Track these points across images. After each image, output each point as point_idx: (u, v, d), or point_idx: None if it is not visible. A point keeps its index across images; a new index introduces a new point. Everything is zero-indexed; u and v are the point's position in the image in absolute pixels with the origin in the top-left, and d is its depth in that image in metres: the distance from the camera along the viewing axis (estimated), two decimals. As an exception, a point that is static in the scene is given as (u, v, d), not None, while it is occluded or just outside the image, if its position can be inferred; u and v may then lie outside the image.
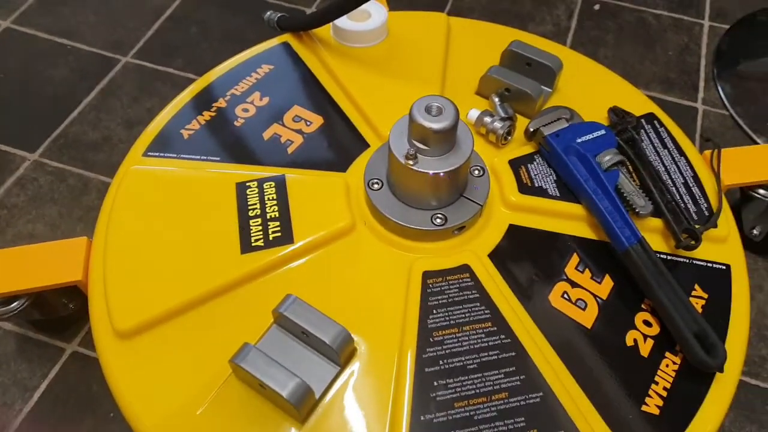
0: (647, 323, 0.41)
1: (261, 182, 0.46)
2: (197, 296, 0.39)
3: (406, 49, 0.56)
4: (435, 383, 0.36)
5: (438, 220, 0.42)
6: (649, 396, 0.37)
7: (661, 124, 0.53)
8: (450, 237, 0.43)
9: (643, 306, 0.41)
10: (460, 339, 0.38)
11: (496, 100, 0.51)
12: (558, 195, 0.46)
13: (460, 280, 0.41)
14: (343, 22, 0.55)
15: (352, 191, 0.45)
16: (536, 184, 0.46)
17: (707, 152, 0.52)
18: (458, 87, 0.53)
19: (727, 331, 0.40)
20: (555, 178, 0.47)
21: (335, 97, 0.53)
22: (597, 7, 0.83)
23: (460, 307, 0.39)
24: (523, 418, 0.35)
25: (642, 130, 0.52)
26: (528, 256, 0.43)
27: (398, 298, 0.40)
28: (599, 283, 0.42)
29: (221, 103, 0.52)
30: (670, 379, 0.38)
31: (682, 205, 0.47)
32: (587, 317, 0.40)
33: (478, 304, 0.40)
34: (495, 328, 0.39)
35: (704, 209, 0.47)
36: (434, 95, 0.39)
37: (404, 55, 0.56)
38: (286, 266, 0.42)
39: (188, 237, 0.43)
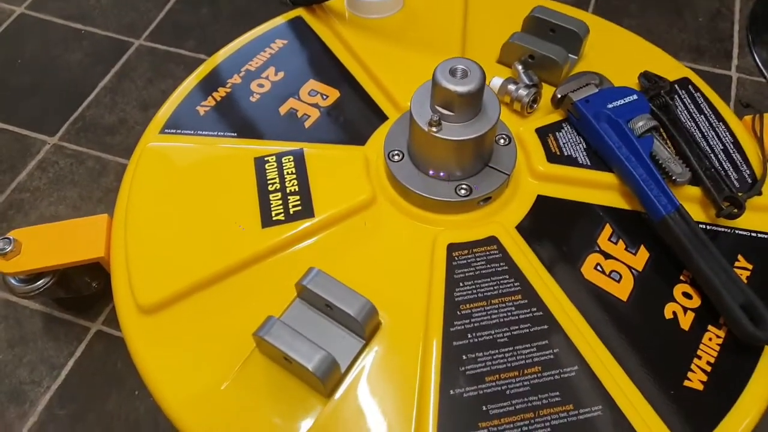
0: (687, 295, 0.39)
1: (279, 157, 0.44)
2: (219, 270, 0.39)
3: (423, 18, 0.54)
4: (464, 357, 0.35)
5: (463, 191, 0.40)
6: (692, 371, 0.35)
7: (697, 89, 0.50)
8: (475, 208, 0.41)
9: (681, 277, 0.39)
10: (488, 312, 0.36)
11: (520, 67, 0.49)
12: (588, 164, 0.44)
13: (487, 253, 0.39)
14: (358, -9, 0.53)
15: (372, 164, 0.44)
16: (565, 153, 0.44)
17: (747, 118, 0.49)
18: (479, 55, 0.51)
19: (774, 303, 0.38)
20: (585, 147, 0.45)
21: (351, 69, 0.51)
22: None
23: (488, 279, 0.38)
24: (557, 393, 0.34)
25: (676, 96, 0.49)
26: (558, 227, 0.41)
27: (422, 271, 0.39)
28: (634, 254, 0.40)
29: (236, 79, 0.51)
30: (714, 354, 0.36)
31: (723, 172, 0.44)
32: (622, 289, 0.39)
33: (507, 276, 0.38)
34: (525, 301, 0.37)
35: (746, 176, 0.44)
36: (459, 57, 0.37)
37: (421, 24, 0.54)
38: (307, 240, 0.41)
39: (208, 212, 0.42)
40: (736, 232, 0.42)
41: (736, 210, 0.41)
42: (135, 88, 0.72)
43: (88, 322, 0.54)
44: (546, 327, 0.36)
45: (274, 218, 0.41)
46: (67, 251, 0.43)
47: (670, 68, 0.51)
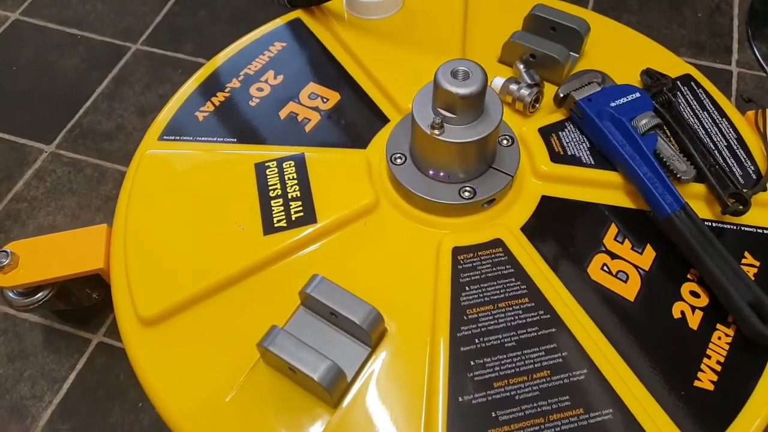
0: (695, 294, 0.38)
1: (280, 162, 0.44)
2: (221, 280, 0.38)
3: (422, 18, 0.54)
4: (472, 363, 0.34)
5: (466, 194, 0.40)
6: (702, 371, 0.35)
7: (699, 86, 0.49)
8: (479, 211, 0.41)
9: (689, 276, 0.39)
10: (495, 316, 0.36)
11: (521, 66, 0.49)
12: (592, 163, 0.43)
13: (493, 255, 0.39)
14: (356, -8, 0.52)
15: (374, 167, 0.44)
16: (569, 153, 0.44)
17: (750, 113, 0.49)
18: (479, 55, 0.51)
19: (782, 301, 0.38)
20: (588, 146, 0.44)
21: (351, 72, 0.51)
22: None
23: (494, 283, 0.37)
24: (567, 397, 0.33)
25: (678, 93, 0.49)
26: (563, 228, 0.41)
27: (428, 276, 0.38)
28: (640, 253, 0.40)
29: (235, 83, 0.51)
30: (724, 353, 0.36)
31: (727, 168, 0.44)
32: (629, 290, 0.38)
33: (513, 279, 0.38)
34: (532, 304, 0.37)
35: (751, 172, 0.44)
36: (460, 59, 0.36)
37: (421, 25, 0.53)
38: (310, 247, 0.40)
39: (209, 220, 0.41)
40: (742, 228, 0.41)
41: (741, 206, 0.40)
42: (132, 93, 0.72)
43: (89, 333, 0.53)
44: (554, 330, 0.36)
45: (276, 225, 0.40)
46: (66, 263, 0.43)
47: (672, 65, 0.51)
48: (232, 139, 0.47)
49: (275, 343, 0.33)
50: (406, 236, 0.41)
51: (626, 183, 0.42)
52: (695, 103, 0.48)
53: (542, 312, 0.36)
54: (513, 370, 0.34)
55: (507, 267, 0.38)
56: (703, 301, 0.38)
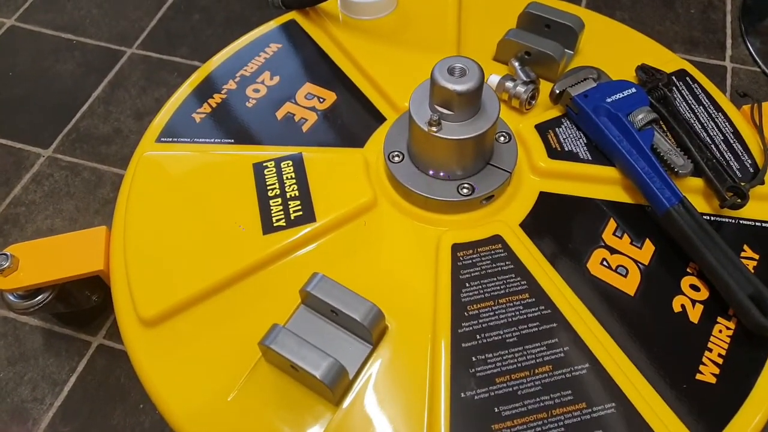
0: (695, 288, 0.38)
1: (278, 161, 0.44)
2: (221, 280, 0.38)
3: (417, 18, 0.54)
4: (473, 359, 0.34)
5: (465, 190, 0.40)
6: (704, 364, 0.35)
7: (694, 81, 0.50)
8: (478, 207, 0.41)
9: (688, 270, 0.39)
10: (496, 312, 0.36)
11: (516, 64, 0.49)
12: (590, 158, 0.44)
13: (492, 252, 0.39)
14: (351, -7, 0.52)
15: (372, 166, 0.44)
16: (566, 149, 0.44)
17: (746, 107, 0.49)
18: (474, 53, 0.50)
19: (782, 293, 0.38)
20: (585, 141, 0.45)
21: (347, 71, 0.51)
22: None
23: (494, 279, 0.37)
24: (569, 392, 0.33)
25: (674, 87, 0.49)
26: (562, 223, 0.41)
27: (428, 273, 0.38)
28: (639, 248, 0.40)
29: (231, 85, 0.51)
30: (725, 346, 0.36)
31: (724, 162, 0.44)
32: (629, 284, 0.38)
33: (513, 275, 0.38)
34: (533, 300, 0.37)
35: (748, 165, 0.44)
36: (456, 56, 0.36)
37: (416, 24, 0.53)
38: (309, 246, 0.40)
39: (208, 220, 0.41)
40: (741, 222, 0.41)
41: (739, 200, 0.41)
42: (129, 97, 0.72)
43: (89, 336, 0.53)
44: (555, 325, 0.36)
45: (275, 224, 0.40)
46: (66, 265, 0.43)
47: (667, 60, 0.51)
48: (229, 140, 0.47)
49: (277, 341, 0.33)
50: (405, 234, 0.41)
51: (624, 178, 0.43)
52: (691, 97, 0.48)
53: (543, 307, 0.36)
54: (515, 366, 0.34)
55: (507, 263, 0.38)
56: (704, 294, 0.38)
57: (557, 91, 0.46)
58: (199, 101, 0.50)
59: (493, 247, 0.39)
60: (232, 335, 0.37)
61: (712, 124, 0.47)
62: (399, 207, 0.41)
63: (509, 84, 0.47)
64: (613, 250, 0.40)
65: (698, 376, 0.35)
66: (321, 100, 0.49)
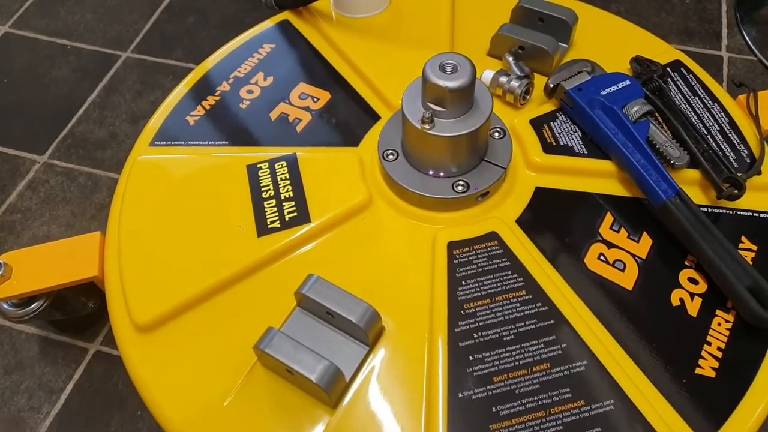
0: (693, 281, 0.38)
1: (272, 163, 0.44)
2: (216, 283, 0.38)
3: (410, 15, 0.54)
4: (471, 358, 0.34)
5: (460, 188, 0.40)
6: (703, 358, 0.35)
7: (689, 71, 0.49)
8: (473, 204, 0.40)
9: (686, 263, 0.39)
10: (493, 310, 0.36)
11: (510, 58, 0.49)
12: (585, 152, 0.43)
13: (488, 249, 0.38)
14: (343, -9, 0.52)
15: (367, 165, 0.43)
16: (561, 143, 0.44)
17: (741, 97, 0.49)
18: (468, 49, 0.50)
19: (781, 284, 0.38)
20: (580, 135, 0.44)
21: (341, 70, 0.51)
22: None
23: (491, 276, 0.37)
24: (568, 389, 0.33)
25: (669, 79, 0.48)
26: (558, 219, 0.41)
27: (424, 272, 0.38)
28: (637, 242, 0.40)
29: (225, 86, 0.51)
30: (725, 339, 0.35)
31: (720, 153, 0.44)
32: (627, 278, 0.38)
33: (510, 272, 0.37)
34: (530, 297, 0.36)
35: (744, 156, 0.44)
36: (448, 52, 0.36)
37: (409, 21, 0.53)
38: (304, 247, 0.40)
39: (202, 224, 0.41)
40: (738, 213, 0.41)
41: (736, 191, 0.40)
42: (124, 101, 0.71)
43: (86, 343, 0.53)
44: (552, 322, 0.35)
45: (269, 226, 0.40)
46: (60, 272, 0.43)
47: (661, 51, 0.51)
48: (223, 142, 0.47)
49: (272, 345, 0.33)
50: (401, 232, 0.40)
51: (620, 171, 0.42)
52: (686, 88, 0.48)
53: (540, 304, 0.36)
54: (512, 364, 0.34)
55: (503, 260, 0.38)
56: (702, 287, 0.38)
57: (551, 85, 0.45)
58: (192, 104, 0.50)
59: (489, 244, 0.38)
60: (228, 339, 0.36)
61: (708, 114, 0.46)
62: (394, 205, 0.41)
63: (503, 79, 0.47)
64: (610, 245, 0.39)
65: (697, 371, 0.34)
66: (315, 99, 0.49)
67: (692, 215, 0.38)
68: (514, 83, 0.46)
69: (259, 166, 0.44)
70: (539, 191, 0.42)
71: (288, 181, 0.42)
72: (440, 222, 0.40)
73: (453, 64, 0.36)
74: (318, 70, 0.51)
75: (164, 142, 0.47)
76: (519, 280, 0.37)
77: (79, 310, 0.49)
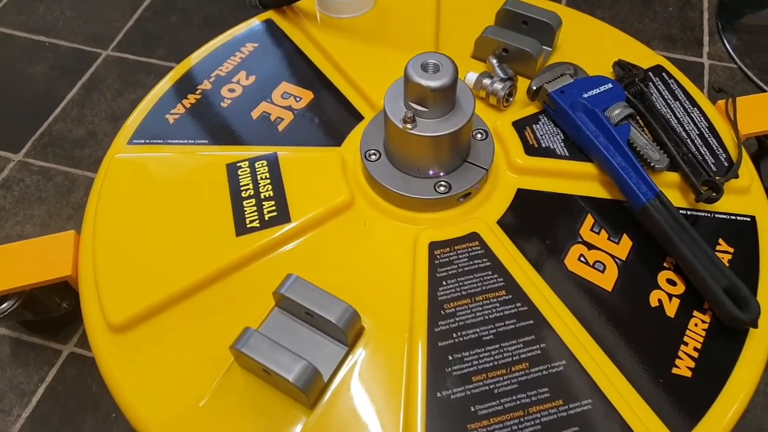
0: (671, 282, 0.38)
1: (252, 162, 0.43)
2: (192, 283, 0.37)
3: (395, 16, 0.53)
4: (450, 357, 0.34)
5: (441, 188, 0.39)
6: (680, 358, 0.35)
7: (670, 76, 0.50)
8: (455, 205, 0.40)
9: (665, 264, 0.39)
10: (473, 310, 0.36)
11: (494, 61, 0.49)
12: (567, 154, 0.43)
13: (469, 249, 0.38)
14: (327, -9, 0.52)
15: (349, 165, 0.43)
16: (543, 145, 0.44)
17: (721, 102, 0.50)
18: (453, 51, 0.50)
19: (757, 286, 0.38)
20: (562, 138, 0.44)
21: (324, 70, 0.50)
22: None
23: (471, 276, 0.37)
24: (546, 389, 0.33)
25: (650, 83, 0.49)
26: (539, 220, 0.41)
27: (405, 272, 0.38)
28: (617, 243, 0.40)
29: (206, 85, 0.50)
30: (701, 339, 0.36)
31: (699, 156, 0.44)
32: (607, 280, 0.38)
33: (490, 272, 0.37)
34: (509, 297, 0.36)
35: (723, 160, 0.44)
36: (430, 52, 0.36)
37: (394, 22, 0.53)
38: (284, 247, 0.39)
39: (180, 223, 0.40)
40: (716, 216, 0.42)
41: (714, 194, 0.41)
42: (104, 99, 0.70)
43: (59, 344, 0.51)
44: (532, 322, 0.35)
45: (248, 225, 0.40)
46: (32, 271, 0.41)
47: (644, 56, 0.51)
48: (203, 141, 0.46)
49: (248, 344, 0.32)
50: (382, 233, 0.40)
51: (601, 173, 0.42)
52: (667, 93, 0.49)
53: (519, 304, 0.36)
54: (491, 364, 0.34)
55: (484, 260, 0.38)
56: (680, 288, 0.38)
57: (534, 88, 0.46)
58: (173, 102, 0.49)
59: (471, 244, 0.38)
60: (205, 340, 0.36)
61: (688, 118, 0.47)
62: (376, 206, 0.41)
63: (487, 81, 0.47)
64: (590, 246, 0.40)
65: (674, 370, 0.34)
66: (297, 99, 0.48)
67: (671, 217, 0.39)
68: (498, 85, 0.46)
69: (239, 165, 0.43)
70: (521, 193, 0.42)
71: (268, 181, 0.42)
72: (422, 222, 0.40)
73: (435, 63, 0.36)
74: (301, 69, 0.50)
75: (143, 141, 0.46)
76: (499, 280, 0.37)
77: (53, 310, 0.48)
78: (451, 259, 0.38)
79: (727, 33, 0.75)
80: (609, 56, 0.50)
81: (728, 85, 0.70)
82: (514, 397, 0.33)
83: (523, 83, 0.48)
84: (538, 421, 0.32)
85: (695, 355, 0.35)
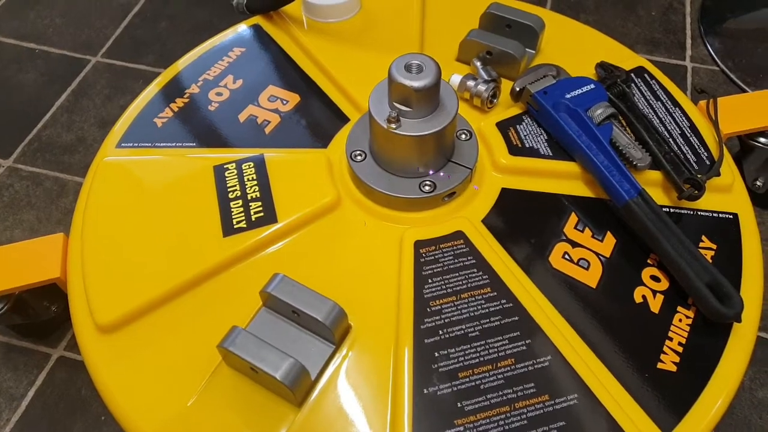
0: (655, 278, 0.39)
1: (239, 163, 0.43)
2: (180, 284, 0.37)
3: (380, 20, 0.54)
4: (436, 354, 0.34)
5: (426, 188, 0.40)
6: (665, 353, 0.35)
7: (652, 77, 0.51)
8: (440, 204, 0.41)
9: (649, 261, 0.39)
10: (458, 307, 0.36)
11: (478, 63, 0.49)
12: (550, 154, 0.44)
13: (455, 247, 0.39)
14: (313, -4, 0.52)
15: (335, 166, 0.43)
16: (527, 145, 0.44)
17: (702, 103, 0.51)
18: (437, 54, 0.50)
19: (740, 281, 0.39)
20: (546, 138, 0.45)
21: (310, 73, 0.51)
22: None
23: (456, 274, 0.37)
24: (532, 384, 0.33)
25: (632, 84, 0.50)
26: (524, 218, 0.41)
27: (391, 271, 0.38)
28: (601, 241, 0.40)
29: (194, 89, 0.50)
30: (685, 334, 0.36)
31: (682, 155, 0.45)
32: (591, 276, 0.39)
33: (475, 270, 0.38)
34: (495, 294, 0.37)
35: (705, 158, 0.45)
36: (413, 53, 0.37)
37: (379, 26, 0.54)
38: (271, 247, 0.39)
39: (167, 224, 0.41)
40: (699, 213, 0.42)
41: (696, 191, 0.41)
42: (93, 105, 0.70)
43: (49, 348, 0.51)
44: (517, 318, 0.36)
45: (235, 226, 0.40)
46: (20, 274, 0.41)
47: (626, 58, 0.52)
48: (191, 144, 0.46)
49: (236, 343, 0.32)
50: (368, 232, 0.40)
51: (584, 172, 0.43)
52: (649, 93, 0.49)
53: (504, 301, 0.36)
54: (477, 360, 0.34)
55: (469, 258, 0.38)
56: (664, 284, 0.38)
57: (517, 89, 0.46)
58: (161, 106, 0.49)
59: (456, 243, 0.39)
60: (192, 340, 0.36)
61: (670, 118, 0.48)
62: (362, 205, 0.41)
63: (471, 83, 0.47)
64: (574, 244, 0.40)
65: (659, 365, 0.35)
66: (284, 102, 0.49)
67: (654, 215, 0.39)
68: (482, 87, 0.47)
69: (226, 166, 0.43)
70: (505, 192, 0.42)
71: (255, 182, 0.42)
72: (407, 222, 0.40)
73: (418, 64, 0.36)
74: (288, 73, 0.51)
75: (131, 144, 0.47)
76: (484, 277, 0.37)
77: (42, 314, 0.47)
78: (436, 257, 0.38)
79: (709, 36, 0.77)
80: (591, 58, 0.50)
81: (711, 87, 0.71)
82: (500, 393, 0.33)
83: (506, 85, 0.48)
84: (524, 416, 0.32)
85: (680, 350, 0.35)
